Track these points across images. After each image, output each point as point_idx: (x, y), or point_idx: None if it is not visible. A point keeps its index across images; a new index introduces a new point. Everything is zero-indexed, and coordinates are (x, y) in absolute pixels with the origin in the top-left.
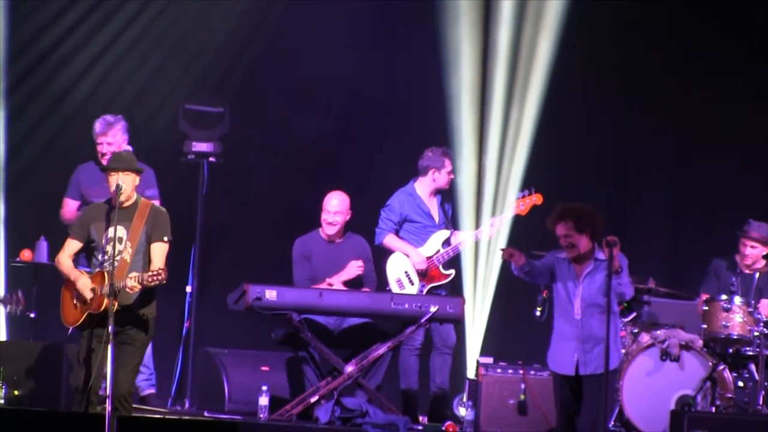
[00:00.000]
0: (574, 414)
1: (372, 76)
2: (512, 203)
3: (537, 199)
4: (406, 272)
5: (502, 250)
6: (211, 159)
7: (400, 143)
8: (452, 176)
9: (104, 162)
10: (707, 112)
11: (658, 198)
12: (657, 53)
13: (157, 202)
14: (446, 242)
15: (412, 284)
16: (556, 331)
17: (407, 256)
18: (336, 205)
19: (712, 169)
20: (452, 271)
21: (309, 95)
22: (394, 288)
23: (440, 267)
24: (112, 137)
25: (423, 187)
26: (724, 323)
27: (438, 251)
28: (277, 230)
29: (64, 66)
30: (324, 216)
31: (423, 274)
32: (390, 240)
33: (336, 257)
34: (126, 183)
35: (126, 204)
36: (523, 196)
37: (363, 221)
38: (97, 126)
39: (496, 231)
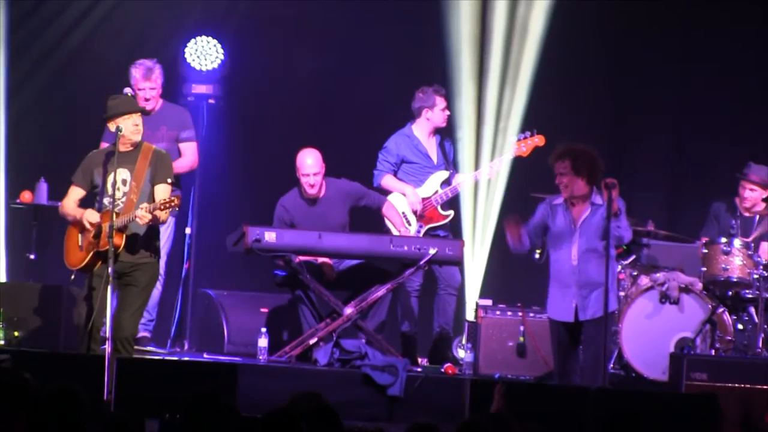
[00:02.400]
0: (572, 359)
1: (369, 19)
2: (513, 144)
3: (539, 140)
4: (403, 213)
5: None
6: (211, 101)
7: (400, 87)
8: (447, 113)
9: (148, 107)
10: (708, 51)
11: (658, 140)
12: None
13: (193, 144)
14: (445, 182)
15: (410, 225)
16: (552, 278)
17: (404, 195)
18: (312, 165)
19: (712, 109)
20: (451, 212)
21: (310, 33)
22: (391, 228)
23: (438, 208)
24: (155, 82)
25: (420, 128)
26: (723, 266)
27: (436, 192)
28: (276, 172)
29: (66, 5)
30: (303, 179)
31: (421, 215)
32: (387, 180)
33: (320, 215)
34: (126, 126)
35: (129, 148)
36: (524, 138)
37: (364, 167)
38: (138, 72)
39: (496, 172)
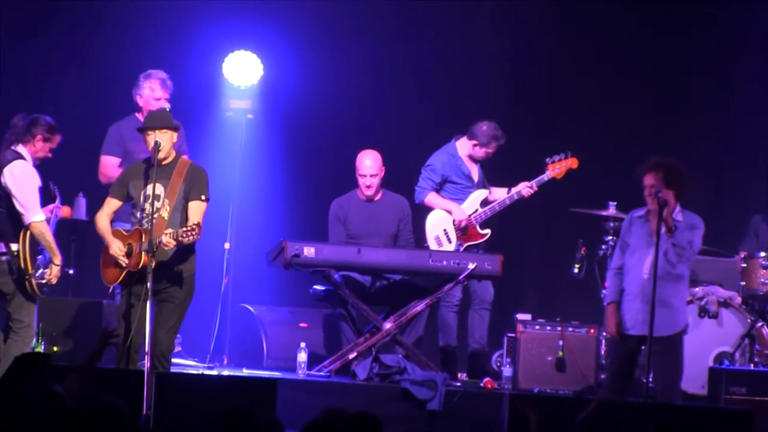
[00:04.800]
0: (625, 373)
1: (409, 35)
2: (548, 166)
3: (572, 163)
4: (444, 230)
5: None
6: (249, 116)
7: (439, 102)
8: (488, 157)
9: None
10: (748, 66)
11: (697, 154)
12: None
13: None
14: (484, 202)
15: (450, 242)
16: (626, 291)
17: (449, 212)
18: (370, 166)
19: (751, 123)
20: (488, 231)
21: (348, 48)
22: (433, 245)
23: (477, 226)
24: (168, 92)
25: (463, 148)
26: (762, 280)
27: (476, 210)
28: (315, 186)
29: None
30: (361, 180)
31: (463, 231)
32: (431, 198)
33: (374, 215)
34: (164, 140)
35: (165, 162)
36: (559, 160)
37: (401, 177)
38: (155, 83)
39: (532, 192)
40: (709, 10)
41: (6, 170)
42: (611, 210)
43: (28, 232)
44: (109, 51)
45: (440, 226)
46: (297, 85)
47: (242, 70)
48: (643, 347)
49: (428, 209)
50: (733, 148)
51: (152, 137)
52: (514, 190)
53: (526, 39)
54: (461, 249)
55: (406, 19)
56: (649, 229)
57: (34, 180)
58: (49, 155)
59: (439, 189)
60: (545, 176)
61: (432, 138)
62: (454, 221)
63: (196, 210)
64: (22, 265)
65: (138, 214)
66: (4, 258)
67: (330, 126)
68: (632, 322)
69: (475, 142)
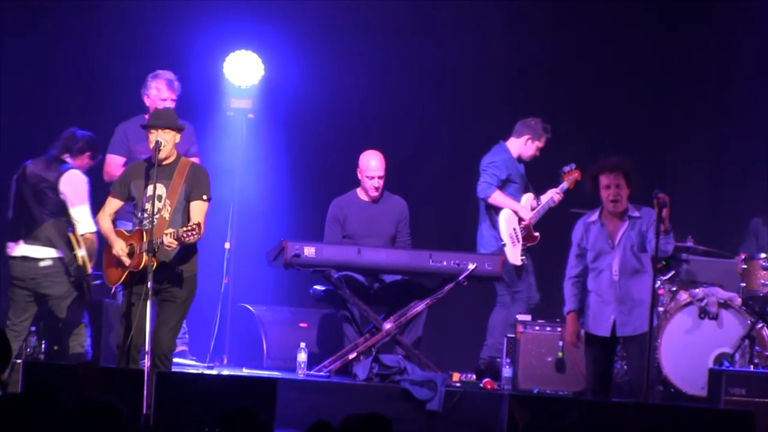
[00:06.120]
0: (606, 375)
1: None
2: (563, 176)
3: (578, 175)
4: (514, 229)
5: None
6: (250, 115)
7: (440, 102)
8: (537, 154)
9: None
10: (748, 67)
11: (697, 156)
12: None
13: (197, 159)
14: (532, 207)
15: (519, 242)
16: (592, 294)
17: (515, 212)
18: (377, 167)
19: (751, 124)
20: (538, 234)
21: (348, 48)
22: (508, 243)
23: (532, 228)
24: (175, 93)
25: (514, 148)
26: (762, 281)
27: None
28: (315, 186)
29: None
30: (368, 181)
31: (527, 230)
32: (497, 196)
33: (373, 217)
34: (166, 140)
35: (166, 162)
36: (570, 171)
37: (401, 178)
38: (162, 83)
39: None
40: (709, 10)
41: (63, 178)
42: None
43: (86, 234)
44: (111, 50)
45: (510, 225)
46: (298, 84)
47: (243, 70)
48: (618, 346)
49: (493, 207)
50: (733, 149)
51: (154, 136)
52: (547, 196)
53: (528, 40)
54: (524, 249)
55: (407, 18)
56: (608, 233)
57: (87, 190)
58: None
59: (501, 188)
60: (564, 185)
61: (433, 138)
62: (520, 221)
63: (198, 210)
64: (81, 264)
65: (139, 215)
66: (52, 262)
67: (330, 126)
68: (607, 326)
69: (527, 136)
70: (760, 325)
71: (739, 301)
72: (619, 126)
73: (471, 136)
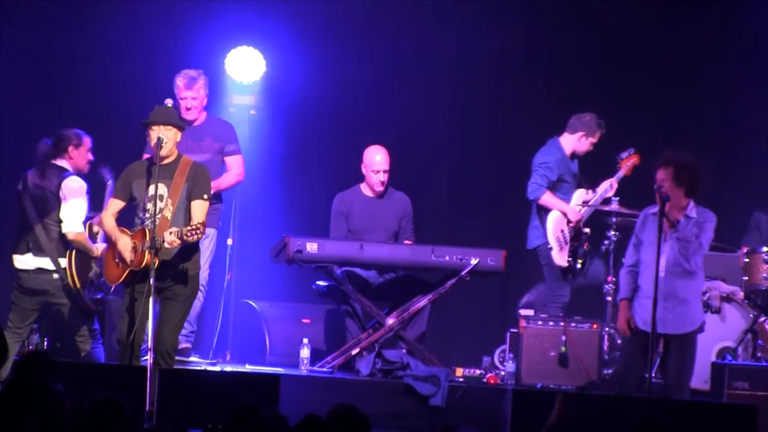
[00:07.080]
0: (636, 370)
1: (410, 29)
2: (620, 164)
3: (636, 159)
4: (562, 230)
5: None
6: (252, 112)
7: (443, 98)
8: (591, 149)
9: (189, 117)
10: (752, 60)
11: (700, 150)
12: None
13: (239, 157)
14: (585, 201)
15: (566, 243)
16: (641, 288)
17: (564, 213)
18: (382, 162)
19: (754, 119)
20: (589, 229)
21: (351, 43)
22: (554, 245)
23: (581, 225)
24: (197, 92)
25: (567, 145)
26: (765, 275)
27: (580, 210)
28: (318, 183)
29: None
30: (373, 176)
31: (576, 228)
32: (547, 198)
33: (377, 212)
34: (168, 137)
35: (167, 161)
36: (627, 156)
37: (404, 174)
38: (182, 81)
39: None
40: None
41: (63, 184)
42: (614, 205)
43: (74, 251)
44: (112, 48)
45: (558, 227)
46: (300, 80)
47: (245, 66)
48: (659, 344)
49: (543, 208)
50: (735, 142)
51: (155, 133)
52: (602, 187)
53: (531, 34)
54: (571, 250)
55: (409, 14)
56: (663, 227)
57: (83, 194)
58: (91, 158)
59: (552, 188)
60: (621, 173)
61: (435, 135)
62: (569, 222)
63: (200, 209)
64: (70, 282)
65: (141, 214)
66: (56, 276)
67: (333, 122)
68: (648, 319)
69: (582, 132)
70: (762, 319)
71: (741, 294)
72: (619, 120)
73: (474, 132)
